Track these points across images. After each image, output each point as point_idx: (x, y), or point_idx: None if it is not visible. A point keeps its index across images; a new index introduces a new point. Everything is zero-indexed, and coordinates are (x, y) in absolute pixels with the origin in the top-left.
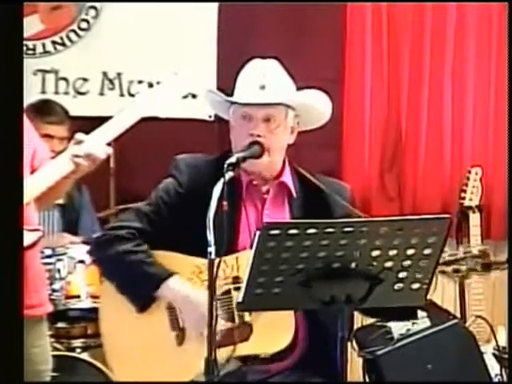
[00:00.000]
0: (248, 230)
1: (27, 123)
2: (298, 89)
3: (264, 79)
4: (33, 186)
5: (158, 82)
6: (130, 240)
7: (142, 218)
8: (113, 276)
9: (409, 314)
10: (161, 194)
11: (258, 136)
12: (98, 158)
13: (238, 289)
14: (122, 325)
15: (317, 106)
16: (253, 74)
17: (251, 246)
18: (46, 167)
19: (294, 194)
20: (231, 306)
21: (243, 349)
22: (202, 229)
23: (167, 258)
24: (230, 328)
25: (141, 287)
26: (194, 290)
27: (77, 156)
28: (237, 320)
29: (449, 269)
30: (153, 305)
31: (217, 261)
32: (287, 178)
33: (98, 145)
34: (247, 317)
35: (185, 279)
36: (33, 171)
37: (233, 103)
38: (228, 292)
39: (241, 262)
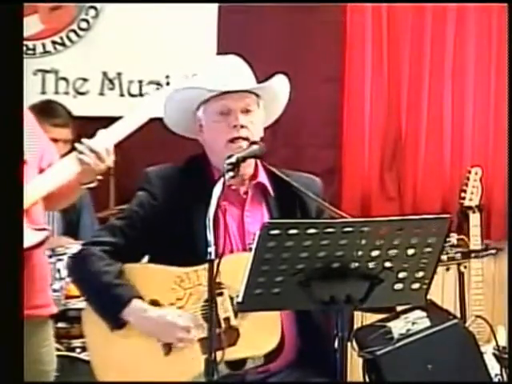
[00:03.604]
0: (228, 234)
1: (35, 124)
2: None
3: (235, 71)
4: (40, 185)
5: (155, 83)
6: (102, 259)
7: (117, 233)
8: (86, 296)
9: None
10: (135, 209)
11: (242, 127)
12: (105, 157)
13: (220, 294)
14: (107, 337)
15: (283, 93)
16: (224, 67)
17: (232, 250)
18: (53, 167)
19: (272, 193)
20: (216, 312)
21: (231, 353)
22: (176, 239)
23: (149, 270)
24: (217, 333)
25: (108, 309)
26: (155, 311)
27: (82, 153)
28: (223, 325)
29: None
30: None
31: (216, 261)
32: (263, 178)
33: (104, 143)
34: (233, 321)
35: (167, 289)
36: (41, 172)
37: (204, 103)
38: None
39: (222, 268)
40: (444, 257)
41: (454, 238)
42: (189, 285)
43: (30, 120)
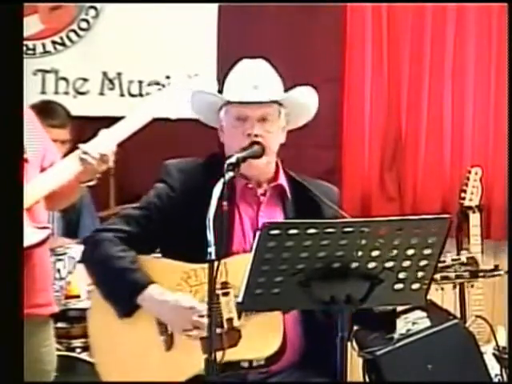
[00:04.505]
0: (242, 233)
1: (37, 123)
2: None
3: (256, 78)
4: (42, 184)
5: (155, 83)
6: (117, 244)
7: (132, 222)
8: (97, 280)
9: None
10: (153, 200)
11: (256, 136)
12: (107, 158)
13: (226, 294)
14: (109, 330)
15: (308, 103)
16: (244, 74)
17: (245, 249)
18: (55, 167)
19: (290, 197)
20: (220, 312)
21: (231, 354)
22: (191, 234)
23: (155, 264)
24: (219, 333)
25: (122, 294)
26: (171, 296)
27: (85, 153)
28: (225, 325)
29: (437, 276)
30: (139, 310)
31: (216, 262)
32: (283, 180)
33: (107, 144)
34: (236, 322)
35: (173, 285)
36: (42, 171)
37: (225, 104)
38: (216, 297)
39: (229, 268)
40: (452, 274)
41: (463, 256)
42: (195, 282)
43: (32, 119)
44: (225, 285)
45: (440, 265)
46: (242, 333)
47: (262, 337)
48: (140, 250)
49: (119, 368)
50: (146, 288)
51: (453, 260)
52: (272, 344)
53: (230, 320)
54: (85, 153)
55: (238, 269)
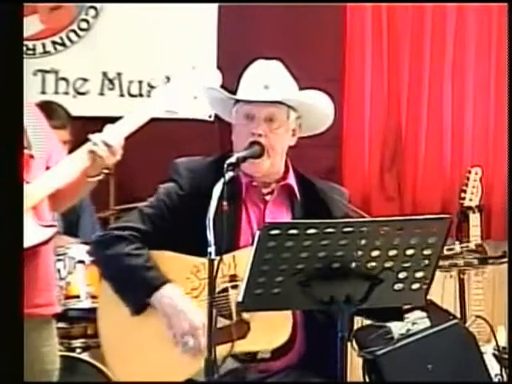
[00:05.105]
0: (250, 231)
1: (44, 123)
2: (300, 89)
3: (267, 79)
4: (49, 181)
5: (155, 83)
6: (132, 242)
7: (145, 219)
8: (110, 277)
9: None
10: (163, 198)
11: (259, 135)
12: (116, 150)
13: (235, 287)
14: (119, 324)
15: (318, 107)
16: (256, 74)
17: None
18: (61, 164)
19: (299, 197)
20: (229, 304)
21: (240, 346)
22: (202, 230)
23: (167, 258)
24: (228, 325)
25: (135, 292)
26: (184, 301)
27: (96, 144)
28: (234, 317)
29: (446, 263)
30: (147, 309)
31: (216, 261)
32: (292, 180)
33: (115, 137)
34: (245, 314)
35: (183, 278)
36: (47, 169)
37: (236, 102)
38: (225, 290)
39: (238, 261)
40: (461, 261)
41: (472, 244)
42: (205, 275)
43: (39, 119)
44: (234, 278)
45: (449, 252)
46: (250, 325)
47: (271, 329)
48: (152, 246)
49: (128, 365)
50: (161, 287)
51: (461, 247)
52: (280, 337)
53: (239, 312)
54: (95, 144)
55: (246, 261)
